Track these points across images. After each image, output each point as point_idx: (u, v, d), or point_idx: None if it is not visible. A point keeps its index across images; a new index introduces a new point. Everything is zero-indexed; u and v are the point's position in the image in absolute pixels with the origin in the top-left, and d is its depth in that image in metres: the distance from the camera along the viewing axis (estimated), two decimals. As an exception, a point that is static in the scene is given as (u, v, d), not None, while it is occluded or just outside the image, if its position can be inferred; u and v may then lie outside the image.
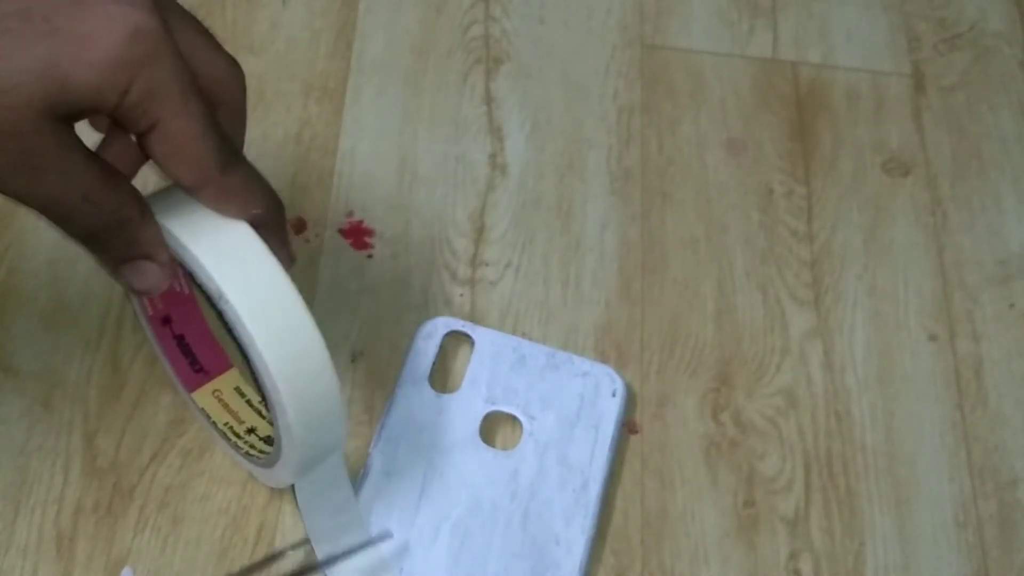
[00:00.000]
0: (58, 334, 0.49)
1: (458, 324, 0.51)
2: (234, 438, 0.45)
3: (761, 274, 0.55)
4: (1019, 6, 0.66)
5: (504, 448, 0.48)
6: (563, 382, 0.49)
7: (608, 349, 0.52)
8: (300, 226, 0.53)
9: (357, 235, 0.54)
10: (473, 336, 0.50)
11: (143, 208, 0.35)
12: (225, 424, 0.45)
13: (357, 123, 0.57)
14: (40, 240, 0.52)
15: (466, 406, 0.49)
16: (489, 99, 0.59)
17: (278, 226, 0.38)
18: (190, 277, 0.39)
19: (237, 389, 0.46)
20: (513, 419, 0.49)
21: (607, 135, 0.58)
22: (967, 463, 0.51)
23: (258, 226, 0.37)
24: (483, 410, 0.48)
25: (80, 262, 0.51)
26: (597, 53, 0.61)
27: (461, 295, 0.52)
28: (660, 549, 0.47)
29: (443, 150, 0.57)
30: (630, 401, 0.50)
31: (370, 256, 0.53)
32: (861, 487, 0.50)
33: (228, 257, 0.36)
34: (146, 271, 0.36)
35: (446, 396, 0.49)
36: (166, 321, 0.45)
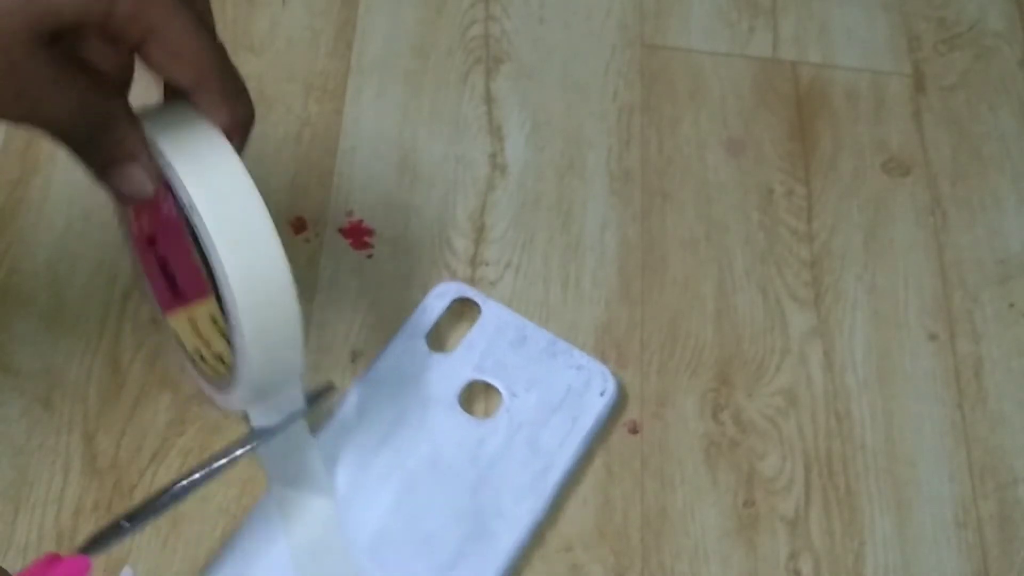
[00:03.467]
0: (58, 334, 0.49)
1: (471, 292, 0.51)
2: (200, 362, 0.45)
3: (761, 274, 0.55)
4: (1019, 6, 0.66)
5: (479, 416, 0.48)
6: (556, 370, 0.49)
7: (608, 349, 0.52)
8: (300, 226, 0.54)
9: (357, 235, 0.54)
10: (482, 306, 0.51)
11: (130, 109, 0.36)
12: (195, 348, 0.45)
13: (357, 123, 0.57)
14: (40, 240, 0.52)
15: (454, 369, 0.49)
16: (489, 99, 0.59)
17: (247, 133, 0.39)
18: (175, 198, 0.40)
19: (212, 318, 0.47)
20: (496, 392, 0.49)
21: (607, 135, 0.58)
22: (967, 463, 0.51)
23: (234, 130, 0.38)
24: (469, 376, 0.49)
25: (80, 262, 0.51)
26: (597, 53, 0.61)
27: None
28: (660, 549, 0.47)
29: (443, 150, 0.57)
30: (621, 404, 0.50)
31: (370, 256, 0.53)
32: (861, 487, 0.50)
33: (204, 169, 0.37)
34: (132, 175, 0.36)
35: (438, 355, 0.49)
36: (151, 242, 0.46)
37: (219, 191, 0.37)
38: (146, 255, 0.46)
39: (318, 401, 0.44)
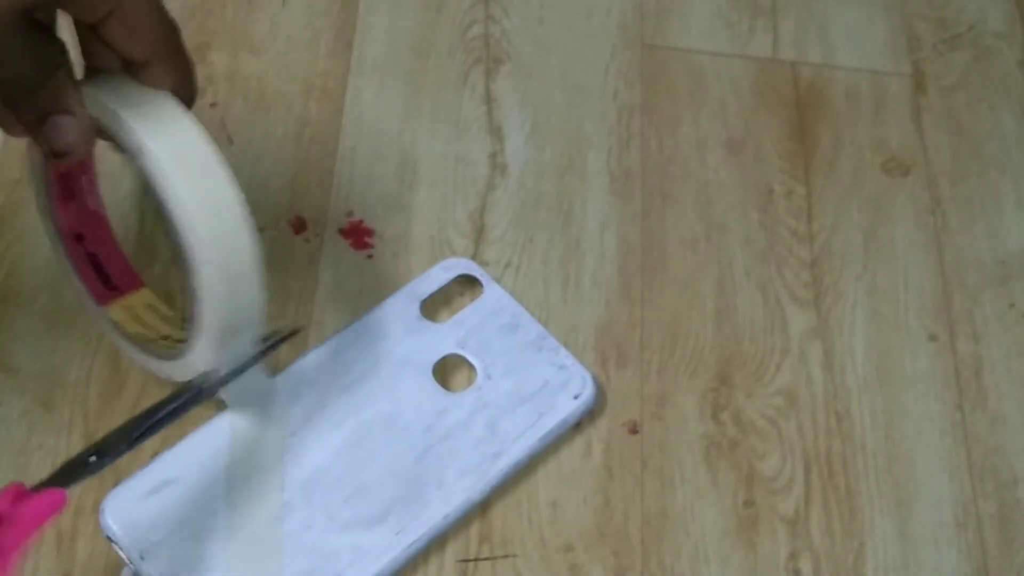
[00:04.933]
0: (58, 334, 0.49)
1: (477, 271, 0.52)
2: (148, 344, 0.45)
3: (761, 274, 0.55)
4: (1019, 6, 0.66)
5: (449, 389, 0.49)
6: (537, 364, 0.49)
7: (608, 349, 0.52)
8: (300, 226, 0.54)
9: (357, 235, 0.54)
10: (485, 287, 0.51)
11: (71, 64, 0.37)
12: (138, 334, 0.46)
13: (357, 123, 0.57)
14: (40, 240, 0.51)
15: (438, 339, 0.49)
16: (489, 99, 0.59)
17: (191, 100, 0.40)
18: (101, 195, 0.43)
19: (149, 305, 0.47)
20: (472, 370, 0.49)
21: (607, 135, 0.58)
22: (967, 463, 0.51)
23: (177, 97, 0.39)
24: (450, 349, 0.49)
25: (80, 262, 0.51)
26: (597, 53, 0.61)
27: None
28: (660, 549, 0.47)
29: (443, 150, 0.57)
30: (601, 412, 0.50)
31: (370, 256, 0.53)
32: (861, 487, 0.50)
33: (150, 114, 0.38)
34: (66, 128, 0.37)
35: (427, 323, 0.50)
36: (79, 238, 0.46)
37: (166, 132, 0.38)
38: (75, 251, 0.46)
39: (284, 341, 0.45)
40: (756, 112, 0.60)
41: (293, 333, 0.46)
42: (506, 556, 0.47)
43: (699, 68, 0.61)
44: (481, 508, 0.47)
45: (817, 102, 0.61)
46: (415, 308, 0.50)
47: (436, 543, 0.46)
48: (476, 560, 0.46)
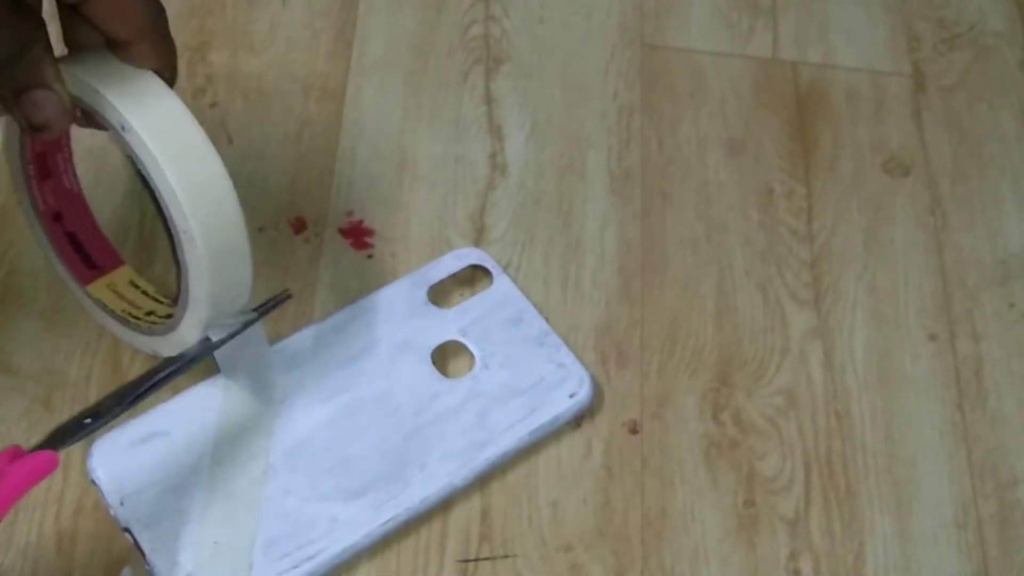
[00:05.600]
0: (58, 334, 0.49)
1: (490, 263, 0.52)
2: (133, 320, 0.46)
3: (761, 274, 0.55)
4: (1019, 6, 0.66)
5: (445, 375, 0.49)
6: (537, 359, 0.50)
7: (608, 349, 0.52)
8: (300, 226, 0.54)
9: (357, 235, 0.54)
10: (495, 278, 0.51)
11: (48, 39, 0.37)
12: (123, 311, 0.46)
13: (357, 123, 0.57)
14: (40, 240, 0.52)
15: (440, 324, 0.50)
16: (489, 99, 0.59)
17: (172, 81, 0.40)
18: (77, 174, 0.43)
19: (131, 282, 0.47)
20: (471, 358, 0.49)
21: (607, 135, 0.58)
22: (967, 463, 0.51)
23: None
24: (451, 335, 0.50)
25: (80, 262, 0.51)
26: (597, 53, 0.61)
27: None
28: (660, 549, 0.47)
29: (443, 150, 0.57)
30: (601, 412, 0.50)
31: (370, 256, 0.53)
32: (861, 487, 0.50)
33: (131, 91, 0.38)
34: (44, 101, 0.37)
35: (432, 307, 0.50)
36: (57, 218, 0.46)
37: (149, 107, 0.38)
38: (54, 231, 0.47)
39: (276, 307, 0.45)
40: (756, 112, 0.60)
41: (286, 298, 0.45)
42: (506, 556, 0.47)
43: (699, 68, 0.61)
44: (481, 508, 0.47)
45: (817, 102, 0.61)
46: (422, 292, 0.50)
47: (436, 544, 0.46)
48: (476, 560, 0.46)
